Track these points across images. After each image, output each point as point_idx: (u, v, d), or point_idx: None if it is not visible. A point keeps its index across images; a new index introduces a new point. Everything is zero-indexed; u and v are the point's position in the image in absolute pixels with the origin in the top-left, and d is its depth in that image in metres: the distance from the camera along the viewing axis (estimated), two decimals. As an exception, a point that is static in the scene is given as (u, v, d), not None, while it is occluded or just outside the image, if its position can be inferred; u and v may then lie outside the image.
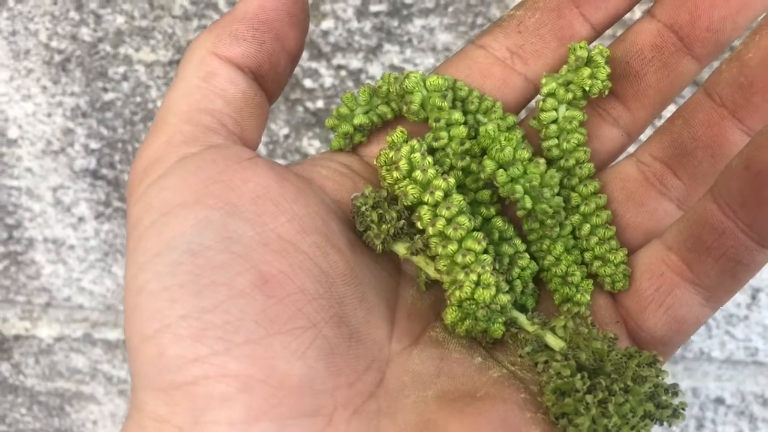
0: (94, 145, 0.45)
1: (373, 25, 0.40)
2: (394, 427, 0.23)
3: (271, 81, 0.27)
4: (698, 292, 0.25)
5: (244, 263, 0.23)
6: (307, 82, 0.41)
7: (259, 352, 0.22)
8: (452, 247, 0.25)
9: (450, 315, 0.25)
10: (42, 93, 0.44)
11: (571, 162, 0.28)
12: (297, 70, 0.41)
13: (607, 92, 0.27)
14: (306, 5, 0.27)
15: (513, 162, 0.26)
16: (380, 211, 0.26)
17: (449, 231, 0.25)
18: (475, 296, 0.25)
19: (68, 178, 0.46)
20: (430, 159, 0.26)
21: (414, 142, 0.26)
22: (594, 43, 0.28)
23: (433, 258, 0.26)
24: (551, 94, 0.28)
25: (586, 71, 0.27)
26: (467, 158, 0.27)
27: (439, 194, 0.25)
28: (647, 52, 0.27)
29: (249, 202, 0.24)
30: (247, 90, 0.26)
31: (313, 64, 0.41)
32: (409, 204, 0.26)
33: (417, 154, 0.26)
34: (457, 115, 0.27)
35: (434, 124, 0.27)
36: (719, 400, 0.46)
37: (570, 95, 0.27)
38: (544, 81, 0.28)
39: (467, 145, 0.27)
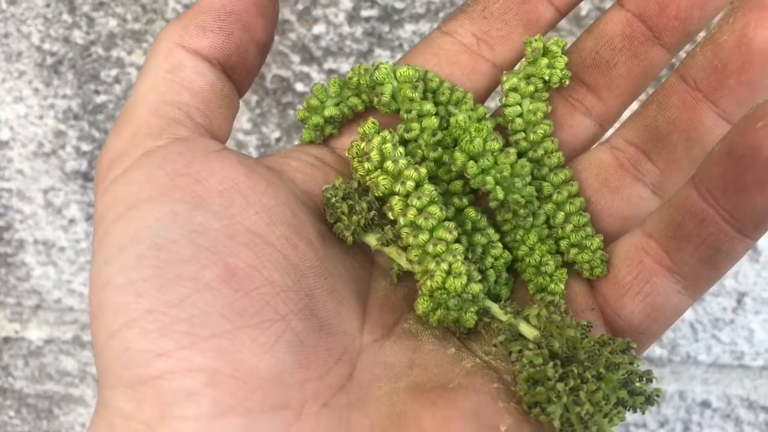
0: (85, 147, 0.45)
1: (364, 30, 0.40)
2: (365, 419, 0.23)
3: (240, 73, 0.27)
4: (677, 280, 0.26)
5: (211, 256, 0.22)
6: (299, 86, 0.41)
7: (226, 346, 0.22)
8: (423, 236, 0.25)
9: (422, 305, 0.25)
10: (34, 95, 0.44)
11: (540, 152, 0.28)
12: (289, 74, 0.41)
13: (567, 81, 0.28)
14: None
15: (483, 153, 0.26)
16: (350, 203, 0.26)
17: (420, 221, 0.25)
18: (446, 285, 0.25)
19: (59, 180, 0.46)
20: (401, 149, 0.26)
21: (385, 133, 0.26)
22: (568, 44, 0.28)
23: (404, 249, 0.26)
24: (513, 89, 0.28)
25: (544, 61, 0.27)
26: (439, 149, 0.27)
27: (410, 184, 0.25)
28: (617, 41, 0.27)
29: (216, 194, 0.24)
30: (215, 82, 0.26)
31: (305, 68, 0.41)
32: (381, 195, 0.26)
33: (388, 145, 0.26)
34: (428, 106, 0.27)
35: (405, 116, 0.27)
36: (705, 404, 0.47)
37: (531, 87, 0.28)
38: (504, 78, 0.28)
39: (439, 136, 0.27)
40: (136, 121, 0.25)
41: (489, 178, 0.26)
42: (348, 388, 0.24)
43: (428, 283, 0.25)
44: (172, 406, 0.21)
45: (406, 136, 0.27)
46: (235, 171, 0.24)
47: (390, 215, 0.26)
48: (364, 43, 0.40)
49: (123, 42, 0.41)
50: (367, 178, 0.26)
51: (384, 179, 0.26)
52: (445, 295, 0.25)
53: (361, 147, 0.26)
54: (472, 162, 0.26)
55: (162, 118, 0.25)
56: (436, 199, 0.25)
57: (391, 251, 0.26)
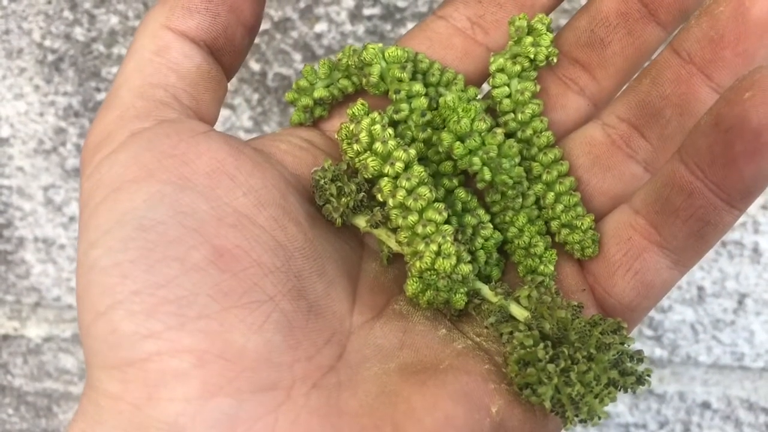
0: (86, 144, 0.45)
1: (366, 28, 0.40)
2: (355, 399, 0.23)
3: (227, 55, 0.26)
4: (666, 255, 0.25)
5: (198, 237, 0.22)
6: (300, 85, 0.41)
7: (214, 327, 0.21)
8: (413, 218, 0.25)
9: (411, 286, 0.25)
10: (34, 92, 0.44)
11: (529, 132, 0.27)
12: (290, 72, 0.41)
13: (555, 59, 0.27)
14: None
15: (470, 133, 0.26)
16: (339, 185, 0.26)
17: (409, 202, 0.25)
18: (436, 266, 0.25)
19: (59, 177, 0.46)
20: (390, 131, 0.26)
21: (375, 114, 0.26)
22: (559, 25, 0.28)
23: (394, 230, 0.26)
24: (500, 70, 0.28)
25: (528, 40, 0.27)
26: (428, 130, 0.27)
27: (399, 166, 0.25)
28: (612, 19, 0.27)
29: (203, 176, 0.24)
30: (202, 64, 0.26)
31: (307, 67, 0.41)
32: (370, 176, 0.26)
33: (377, 126, 0.25)
34: (417, 87, 0.27)
35: (395, 96, 0.27)
36: (705, 405, 0.47)
37: (518, 67, 0.27)
38: (492, 59, 0.28)
39: (428, 116, 0.27)
40: (122, 104, 0.25)
41: (476, 159, 0.26)
42: (338, 369, 0.23)
43: (417, 264, 0.25)
44: (160, 387, 0.21)
45: (396, 117, 0.27)
46: (221, 152, 0.24)
47: (379, 197, 0.26)
48: (366, 42, 0.40)
49: (124, 39, 0.41)
50: (357, 159, 0.26)
51: (373, 161, 0.25)
52: (435, 276, 0.25)
53: (350, 129, 0.26)
54: (459, 143, 0.26)
55: (148, 101, 0.25)
56: (425, 180, 0.25)
57: (381, 233, 0.26)
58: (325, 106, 0.29)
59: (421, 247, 0.25)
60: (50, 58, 0.43)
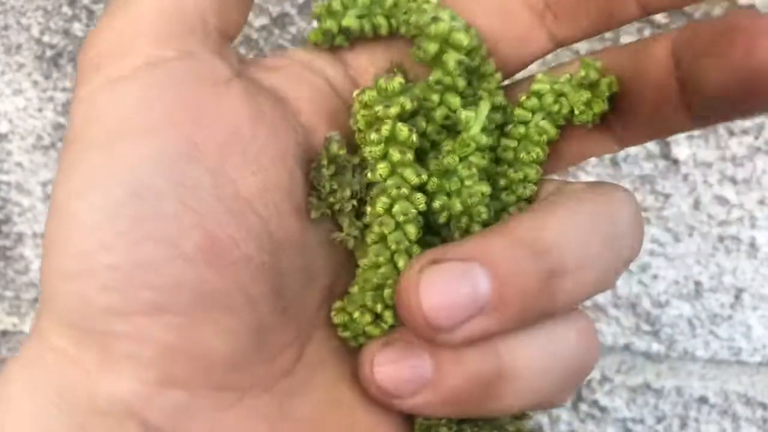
0: (84, 140, 0.45)
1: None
2: (306, 406, 0.23)
3: None
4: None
5: (194, 219, 0.20)
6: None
7: (188, 325, 0.20)
8: (382, 256, 0.23)
9: (338, 317, 0.24)
10: (33, 88, 0.44)
11: (519, 176, 0.24)
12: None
13: (590, 125, 0.24)
14: None
15: (453, 173, 0.23)
16: (334, 185, 0.23)
17: (387, 242, 0.23)
18: (366, 329, 0.24)
19: (58, 173, 0.46)
20: (414, 138, 0.22)
21: (406, 102, 0.22)
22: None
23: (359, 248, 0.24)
24: (537, 95, 0.25)
25: (585, 95, 0.24)
26: (444, 133, 0.24)
27: (403, 192, 0.22)
28: None
29: (215, 145, 0.21)
30: None
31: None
32: (370, 173, 0.23)
33: (405, 132, 0.22)
34: (456, 101, 0.24)
35: (431, 81, 0.24)
36: (703, 399, 0.47)
37: (555, 107, 0.24)
38: (538, 77, 0.25)
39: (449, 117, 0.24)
40: (142, 15, 0.21)
41: (452, 202, 0.23)
42: (294, 373, 0.23)
43: (351, 310, 0.24)
44: (117, 363, 0.20)
45: (421, 104, 0.24)
46: (240, 116, 0.22)
47: (368, 210, 0.23)
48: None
49: (123, 35, 0.42)
50: (367, 150, 0.23)
51: (383, 167, 0.23)
52: (352, 327, 0.24)
53: (374, 110, 0.23)
54: (437, 179, 0.23)
55: (173, 20, 0.21)
56: (414, 221, 0.23)
57: (351, 243, 0.24)
58: (348, 37, 0.25)
59: (369, 301, 0.23)
60: (49, 53, 0.43)
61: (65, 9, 0.41)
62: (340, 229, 0.24)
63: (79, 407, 0.20)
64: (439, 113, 0.24)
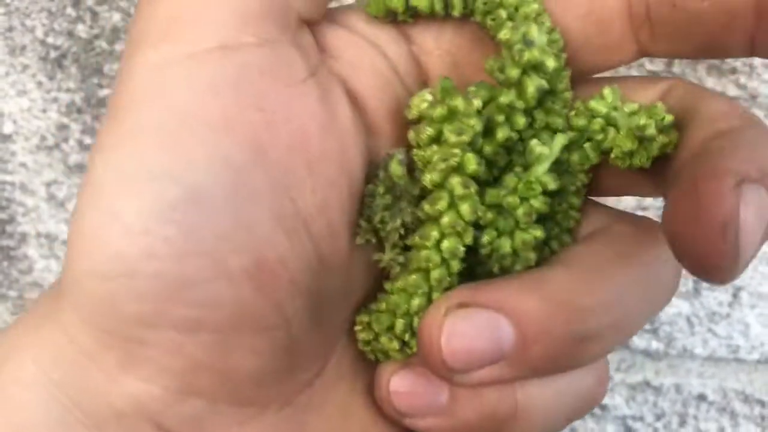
0: (88, 140, 0.45)
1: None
2: (319, 419, 0.22)
3: None
4: None
5: (248, 241, 0.19)
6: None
7: (220, 344, 0.19)
8: (413, 301, 0.22)
9: (363, 334, 0.23)
10: (37, 89, 0.44)
11: (564, 207, 0.23)
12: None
13: (648, 164, 0.21)
14: None
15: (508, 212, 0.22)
16: (386, 217, 0.21)
17: (421, 284, 0.21)
18: (390, 352, 0.23)
19: (62, 173, 0.46)
20: (478, 165, 0.20)
21: (477, 125, 0.20)
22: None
23: (391, 276, 0.23)
24: (589, 114, 0.22)
25: (630, 145, 0.21)
26: (502, 153, 0.22)
27: (460, 226, 0.21)
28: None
29: (282, 152, 0.19)
30: None
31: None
32: (422, 190, 0.21)
33: (473, 165, 0.20)
34: (521, 120, 0.21)
35: (502, 104, 0.21)
36: (701, 397, 0.47)
37: (599, 137, 0.22)
38: (604, 92, 0.22)
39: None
40: None
41: (502, 242, 0.22)
42: (313, 387, 0.22)
43: (365, 336, 0.23)
44: (140, 367, 0.19)
45: (491, 114, 0.21)
46: (312, 120, 0.20)
47: (416, 240, 0.21)
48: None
49: (127, 36, 0.42)
50: (427, 177, 0.21)
51: (443, 202, 0.21)
52: (374, 344, 0.23)
53: (442, 133, 0.21)
54: (492, 215, 0.22)
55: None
56: (460, 256, 0.21)
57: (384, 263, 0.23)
58: (412, 14, 0.22)
59: (399, 329, 0.22)
60: (53, 54, 0.43)
61: (69, 10, 0.42)
62: (382, 249, 0.22)
63: (95, 406, 0.19)
64: (502, 134, 0.22)
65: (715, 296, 0.44)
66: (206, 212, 0.18)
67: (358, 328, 0.23)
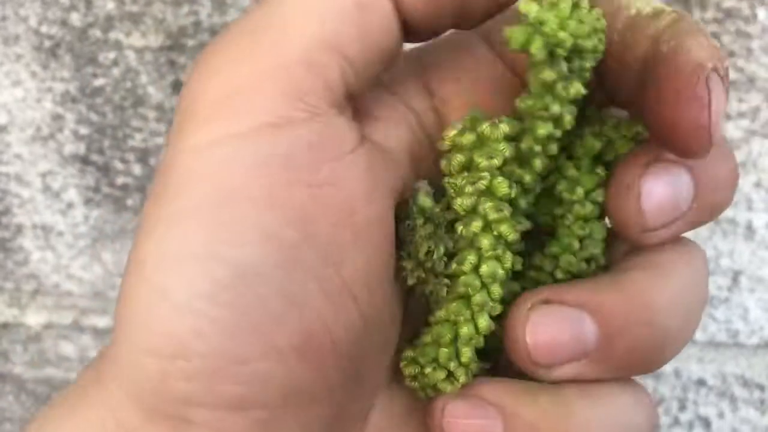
0: (83, 130, 0.45)
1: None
2: None
3: (413, 36, 0.20)
4: None
5: (296, 319, 0.19)
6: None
7: (269, 419, 0.19)
8: (445, 345, 0.22)
9: (409, 369, 0.22)
10: (31, 78, 0.44)
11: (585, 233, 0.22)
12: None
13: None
14: None
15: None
16: (431, 246, 0.21)
17: (463, 311, 0.21)
18: (438, 384, 0.22)
19: (57, 163, 0.46)
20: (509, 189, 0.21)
21: (506, 150, 0.20)
22: None
23: (437, 302, 0.22)
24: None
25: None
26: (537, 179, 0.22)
27: (494, 253, 0.21)
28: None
29: (327, 224, 0.19)
30: (395, 43, 0.20)
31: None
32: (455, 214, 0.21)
33: (504, 188, 0.21)
34: (569, 117, 0.20)
35: (539, 137, 0.21)
36: (701, 382, 0.47)
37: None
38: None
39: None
40: (277, 56, 0.18)
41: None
42: None
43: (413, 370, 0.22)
44: None
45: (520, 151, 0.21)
46: (358, 192, 0.20)
47: (454, 267, 0.21)
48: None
49: (121, 24, 0.42)
50: (458, 202, 0.21)
51: (476, 225, 0.21)
52: (421, 380, 0.22)
53: (472, 160, 0.21)
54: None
55: (313, 72, 0.19)
56: (500, 280, 0.21)
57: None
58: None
59: (443, 358, 0.22)
60: (47, 44, 0.43)
61: (63, -1, 0.41)
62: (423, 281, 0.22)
63: None
64: (540, 163, 0.22)
65: (714, 281, 0.44)
66: (254, 291, 0.18)
67: (403, 363, 0.22)
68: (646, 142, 0.22)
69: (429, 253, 0.21)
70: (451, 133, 0.21)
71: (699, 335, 0.46)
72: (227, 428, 0.19)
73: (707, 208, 0.21)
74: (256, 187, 0.18)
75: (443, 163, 0.21)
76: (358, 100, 0.21)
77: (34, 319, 0.51)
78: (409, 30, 0.20)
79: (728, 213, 0.42)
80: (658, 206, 0.21)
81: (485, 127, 0.21)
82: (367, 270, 0.20)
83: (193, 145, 0.18)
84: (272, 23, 0.19)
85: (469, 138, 0.21)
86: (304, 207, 0.19)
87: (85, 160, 0.46)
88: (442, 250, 0.21)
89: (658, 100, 0.19)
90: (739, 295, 0.45)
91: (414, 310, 0.23)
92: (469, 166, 0.21)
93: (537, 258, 0.23)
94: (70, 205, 0.47)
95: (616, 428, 0.22)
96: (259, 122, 0.18)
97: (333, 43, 0.19)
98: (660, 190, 0.21)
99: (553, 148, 0.21)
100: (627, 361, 0.21)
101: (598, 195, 0.22)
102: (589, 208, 0.22)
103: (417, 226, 0.21)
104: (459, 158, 0.21)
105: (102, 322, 0.51)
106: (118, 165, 0.45)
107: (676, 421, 0.48)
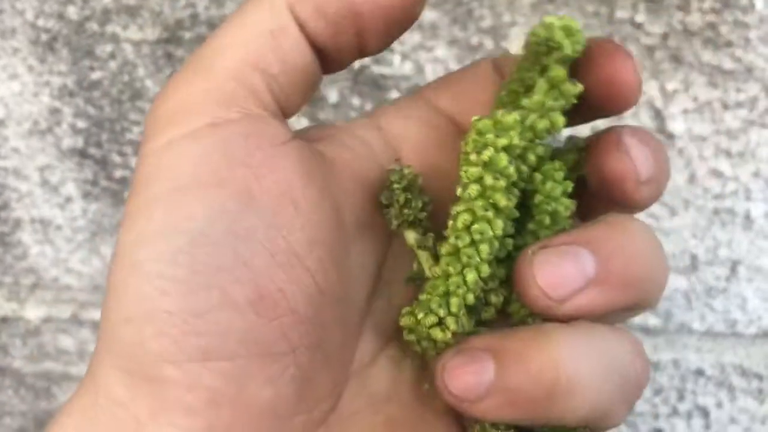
0: (81, 124, 0.45)
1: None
2: None
3: (333, 64, 0.24)
4: None
5: (246, 273, 0.21)
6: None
7: (235, 372, 0.21)
8: (454, 279, 0.24)
9: (406, 319, 0.25)
10: (29, 72, 0.44)
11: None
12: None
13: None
14: (411, 12, 0.24)
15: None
16: (408, 196, 0.25)
17: (465, 253, 0.24)
18: (428, 328, 0.24)
19: (55, 157, 0.46)
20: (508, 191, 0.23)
21: (515, 136, 0.23)
22: None
23: (436, 258, 0.25)
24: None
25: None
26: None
27: (485, 214, 0.23)
28: None
29: (270, 198, 0.22)
30: (311, 65, 0.23)
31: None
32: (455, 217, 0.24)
33: (503, 161, 0.23)
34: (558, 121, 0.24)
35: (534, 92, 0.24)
36: (699, 372, 0.47)
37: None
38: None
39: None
40: (212, 78, 0.22)
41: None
42: (328, 423, 0.24)
43: (419, 315, 0.24)
44: (167, 411, 0.21)
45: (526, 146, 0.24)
46: (294, 173, 0.23)
47: (449, 229, 0.24)
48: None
49: (118, 17, 0.41)
50: (463, 170, 0.23)
51: (474, 188, 0.23)
52: (419, 332, 0.24)
53: (485, 139, 0.23)
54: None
55: (241, 85, 0.22)
56: (488, 241, 0.24)
57: (422, 255, 0.25)
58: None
59: (434, 305, 0.24)
60: (44, 37, 0.42)
61: (60, -8, 0.41)
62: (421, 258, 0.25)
63: None
64: (533, 157, 0.24)
65: (712, 271, 0.45)
66: (208, 252, 0.21)
67: (401, 317, 0.25)
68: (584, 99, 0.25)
69: (408, 202, 0.25)
70: (474, 117, 0.24)
71: (697, 325, 0.46)
72: (198, 383, 0.21)
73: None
74: (202, 172, 0.22)
75: (462, 143, 0.24)
76: (310, 134, 0.25)
77: (33, 313, 0.51)
78: (321, 54, 0.23)
79: (727, 203, 0.42)
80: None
81: (498, 112, 0.23)
82: (313, 242, 0.23)
83: (155, 147, 0.22)
84: (208, 54, 0.23)
85: (485, 122, 0.23)
86: (246, 183, 0.22)
87: (83, 154, 0.45)
88: (419, 202, 0.25)
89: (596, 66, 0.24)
90: (737, 284, 0.45)
91: (387, 307, 0.26)
92: (481, 147, 0.23)
93: (519, 239, 0.25)
94: (68, 199, 0.47)
95: (603, 359, 0.23)
96: (202, 123, 0.22)
97: (256, 63, 0.22)
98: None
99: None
100: (624, 278, 0.23)
101: (567, 185, 0.25)
102: (557, 190, 0.24)
103: (395, 188, 0.25)
104: (475, 138, 0.23)
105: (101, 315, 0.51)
106: (116, 158, 0.45)
107: (675, 411, 0.48)
